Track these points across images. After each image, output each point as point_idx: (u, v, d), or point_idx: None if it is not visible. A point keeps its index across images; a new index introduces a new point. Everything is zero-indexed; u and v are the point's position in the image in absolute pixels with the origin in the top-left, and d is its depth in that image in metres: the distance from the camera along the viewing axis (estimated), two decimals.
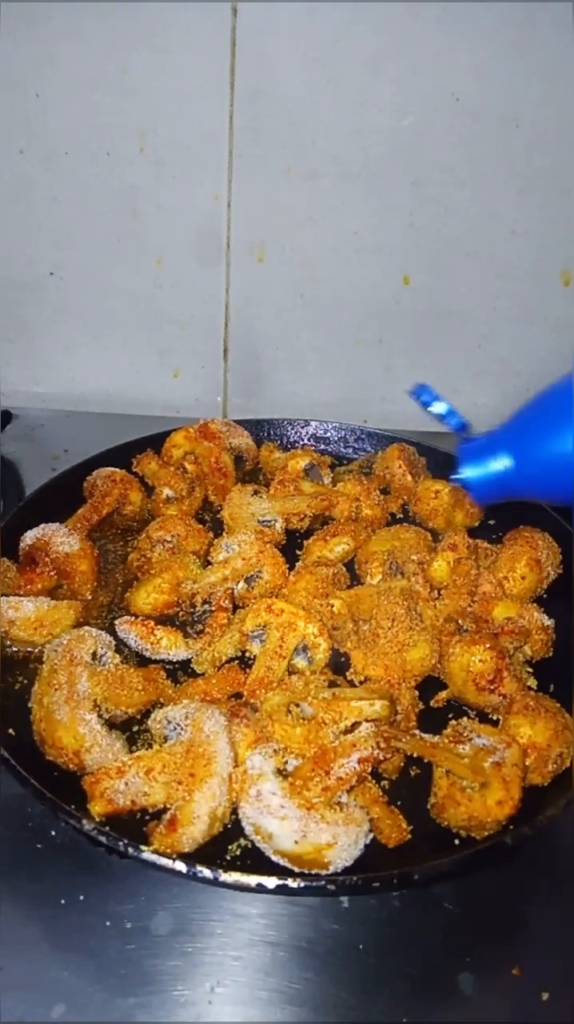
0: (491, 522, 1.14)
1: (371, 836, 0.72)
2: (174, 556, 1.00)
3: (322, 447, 1.30)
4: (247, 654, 0.91)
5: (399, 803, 0.76)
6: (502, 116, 1.25)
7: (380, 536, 1.04)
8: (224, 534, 1.05)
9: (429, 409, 0.86)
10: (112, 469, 1.12)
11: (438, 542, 1.01)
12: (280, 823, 0.68)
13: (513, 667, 0.87)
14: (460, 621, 0.93)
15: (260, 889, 0.65)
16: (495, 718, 0.85)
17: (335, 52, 1.22)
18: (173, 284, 1.40)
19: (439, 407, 0.86)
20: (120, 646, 0.90)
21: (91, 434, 1.30)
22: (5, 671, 0.87)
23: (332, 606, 0.92)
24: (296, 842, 0.68)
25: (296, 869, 0.68)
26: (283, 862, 0.68)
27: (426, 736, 0.79)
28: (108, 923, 0.69)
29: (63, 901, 0.71)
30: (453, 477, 0.83)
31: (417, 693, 0.87)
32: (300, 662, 0.88)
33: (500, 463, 0.76)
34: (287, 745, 0.76)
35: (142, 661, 0.90)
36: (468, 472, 0.78)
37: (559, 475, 0.73)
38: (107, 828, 0.68)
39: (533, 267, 1.37)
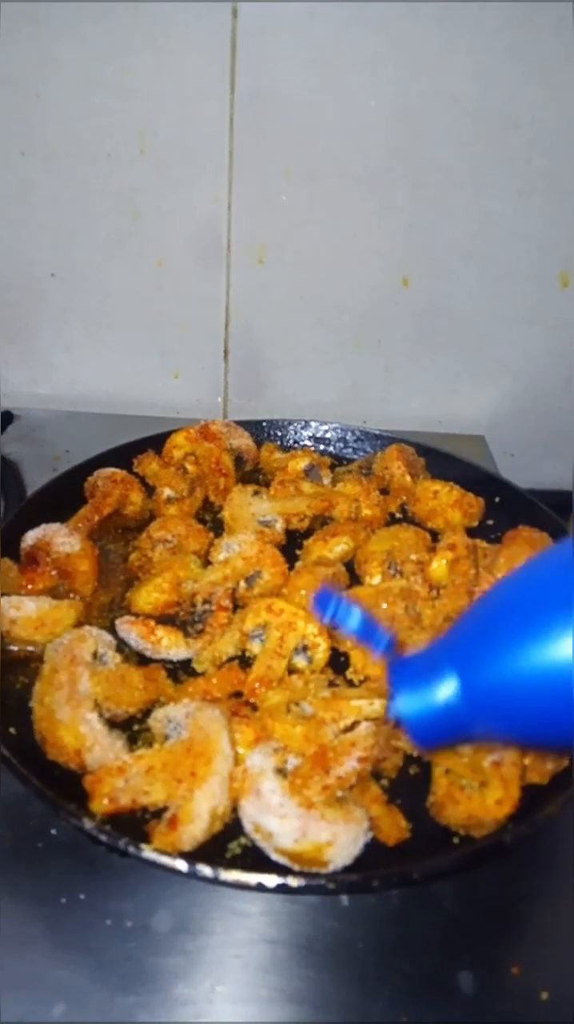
0: (491, 522, 1.14)
1: (371, 835, 0.72)
2: (174, 556, 1.00)
3: (322, 447, 1.30)
4: (247, 653, 0.91)
5: (399, 802, 0.76)
6: (502, 117, 1.25)
7: (379, 536, 1.04)
8: (224, 534, 1.05)
9: (340, 626, 0.64)
10: (113, 469, 1.12)
11: (437, 542, 1.01)
12: (280, 822, 0.69)
13: None
14: None
15: (260, 888, 0.65)
16: None
17: (335, 52, 1.22)
18: (174, 285, 1.40)
19: (353, 621, 0.64)
20: (121, 645, 0.90)
21: (92, 435, 1.31)
22: (6, 671, 0.87)
23: None
24: (296, 840, 0.68)
25: (296, 867, 0.68)
26: (283, 861, 0.69)
27: None
28: (109, 921, 0.69)
29: (63, 899, 0.71)
30: (390, 714, 0.62)
31: None
32: (300, 661, 0.88)
33: (444, 688, 0.56)
34: (287, 744, 0.76)
35: (143, 660, 0.90)
36: (405, 704, 0.58)
37: (532, 701, 0.53)
38: (108, 827, 0.68)
39: (532, 268, 1.37)
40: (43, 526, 1.00)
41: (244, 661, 0.90)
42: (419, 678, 0.58)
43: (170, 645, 0.90)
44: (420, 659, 0.60)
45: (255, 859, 0.70)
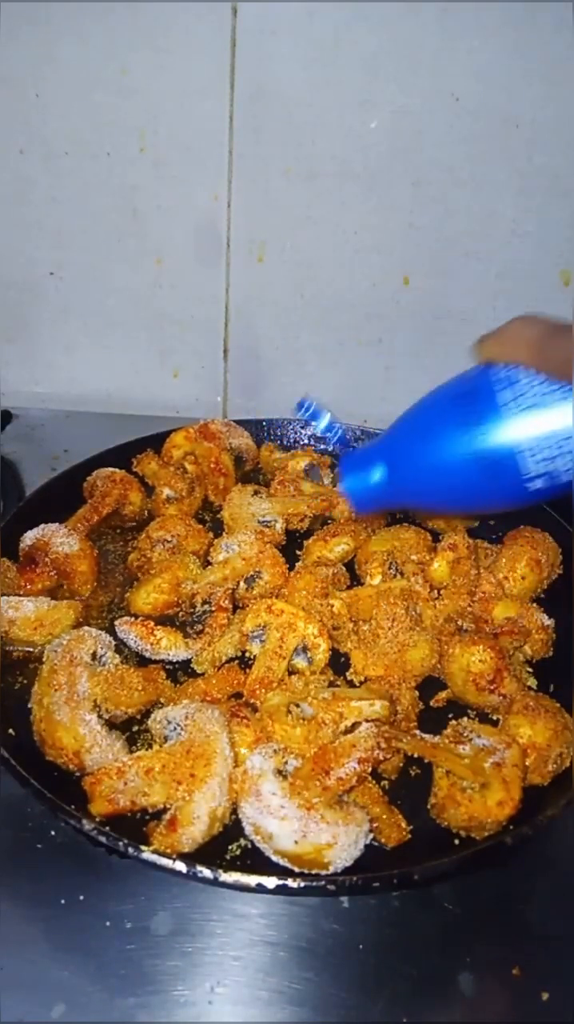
0: (491, 522, 1.14)
1: (371, 836, 0.72)
2: (174, 556, 1.00)
3: (322, 447, 1.30)
4: (247, 654, 0.91)
5: (399, 803, 0.76)
6: (502, 116, 1.25)
7: (380, 536, 1.04)
8: (224, 534, 1.05)
9: (314, 424, 0.88)
10: (112, 469, 1.12)
11: (438, 542, 1.01)
12: (280, 823, 0.68)
13: (513, 667, 0.87)
14: (460, 621, 0.93)
15: (260, 889, 0.65)
16: (495, 718, 0.85)
17: (335, 52, 1.22)
18: (173, 284, 1.40)
19: (323, 422, 0.90)
20: (120, 646, 0.90)
21: (91, 434, 1.30)
22: (5, 671, 0.87)
23: (332, 606, 0.92)
24: (296, 842, 0.68)
25: (296, 869, 0.68)
26: (283, 862, 0.68)
27: (426, 736, 0.79)
28: (108, 923, 0.69)
29: (63, 901, 0.71)
30: (339, 487, 0.83)
31: (417, 693, 0.87)
32: (300, 662, 0.88)
33: (376, 474, 0.77)
34: (287, 745, 0.76)
35: (142, 661, 0.90)
36: (347, 483, 0.79)
37: (428, 485, 0.74)
38: (107, 828, 0.68)
39: (533, 267, 1.37)
40: (42, 526, 0.99)
41: (244, 662, 0.90)
42: (359, 465, 0.78)
43: (169, 646, 0.90)
44: (361, 452, 0.80)
45: (255, 861, 0.70)
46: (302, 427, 1.32)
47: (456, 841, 0.73)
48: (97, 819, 0.70)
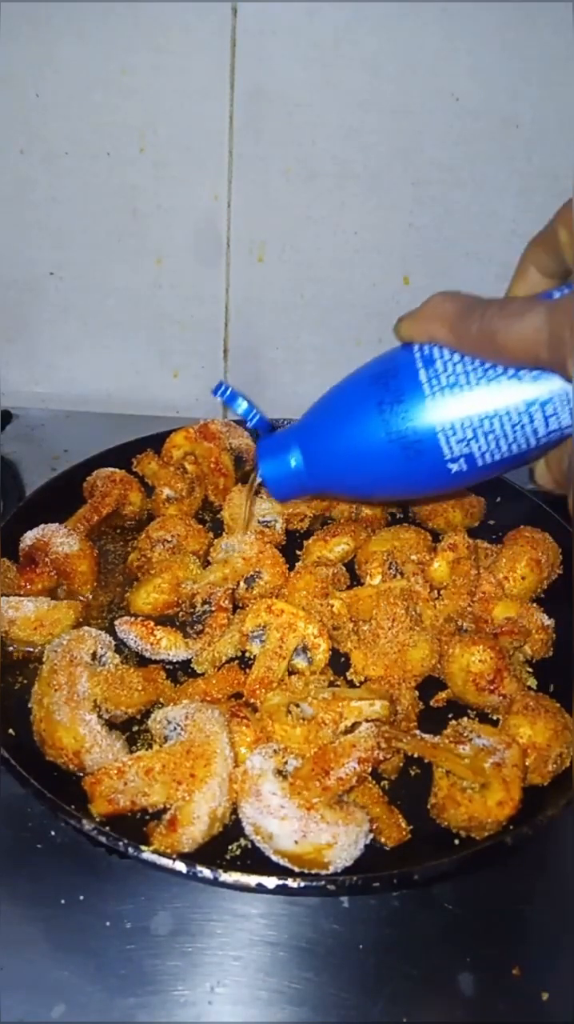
0: (491, 522, 1.14)
1: (371, 836, 0.72)
2: (174, 556, 1.00)
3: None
4: (247, 654, 0.91)
5: (399, 803, 0.76)
6: (502, 116, 1.25)
7: (380, 536, 1.04)
8: (224, 534, 1.05)
9: (232, 406, 0.87)
10: (112, 469, 1.12)
11: (438, 542, 1.01)
12: (280, 823, 0.68)
13: (513, 667, 0.87)
14: (460, 621, 0.93)
15: (260, 889, 0.65)
16: (495, 718, 0.85)
17: (335, 52, 1.22)
18: (173, 284, 1.40)
19: (241, 405, 0.88)
20: (120, 646, 0.90)
21: (91, 434, 1.30)
22: (5, 671, 0.87)
23: (332, 606, 0.92)
24: (296, 842, 0.68)
25: (296, 869, 0.68)
26: (283, 862, 0.68)
27: (426, 736, 0.79)
28: (108, 923, 0.69)
29: (63, 901, 0.71)
30: (256, 476, 0.83)
31: (417, 693, 0.87)
32: (300, 662, 0.88)
33: (294, 460, 0.75)
34: (287, 745, 0.76)
35: (142, 661, 0.90)
36: (263, 469, 0.77)
37: (346, 469, 0.72)
38: (107, 828, 0.68)
39: None
40: (42, 526, 0.99)
41: (244, 662, 0.90)
42: (276, 451, 0.76)
43: (169, 646, 0.90)
44: (279, 436, 0.78)
45: (255, 861, 0.70)
46: None
47: (456, 841, 0.73)
48: (97, 819, 0.70)
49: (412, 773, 0.80)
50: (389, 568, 0.99)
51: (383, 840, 0.73)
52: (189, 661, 0.91)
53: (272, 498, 0.84)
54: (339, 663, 0.90)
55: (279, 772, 0.73)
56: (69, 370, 1.49)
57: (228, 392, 0.89)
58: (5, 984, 0.65)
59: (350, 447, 0.70)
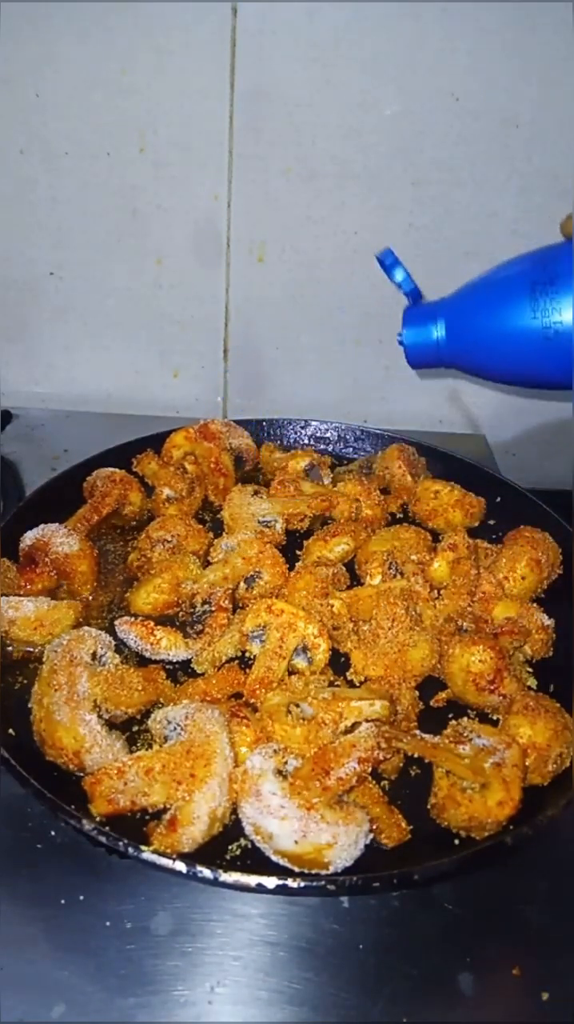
0: (492, 522, 1.14)
1: (371, 836, 0.72)
2: (174, 556, 1.00)
3: (322, 447, 1.30)
4: (247, 654, 0.91)
5: (399, 803, 0.76)
6: (502, 116, 1.25)
7: (380, 536, 1.04)
8: (224, 534, 1.05)
9: (391, 275, 0.90)
10: (112, 469, 1.12)
11: (438, 542, 1.01)
12: (280, 823, 0.68)
13: (513, 667, 0.87)
14: (460, 621, 0.93)
15: (260, 889, 0.65)
16: (495, 718, 0.85)
17: (335, 52, 1.22)
18: (173, 284, 1.40)
19: (398, 274, 0.90)
20: (120, 646, 0.90)
21: (91, 434, 1.31)
22: (5, 671, 0.87)
23: (332, 606, 0.92)
24: (296, 842, 0.68)
25: (296, 869, 0.68)
26: (283, 862, 0.68)
27: (426, 736, 0.79)
28: (108, 923, 0.69)
29: (63, 901, 0.71)
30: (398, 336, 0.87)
31: (417, 693, 0.87)
32: (300, 662, 0.88)
33: (437, 331, 0.80)
34: (287, 745, 0.76)
35: (142, 661, 0.90)
36: (407, 335, 0.82)
37: (486, 347, 0.76)
38: (107, 828, 0.68)
39: None
40: (42, 526, 0.99)
41: (244, 662, 0.90)
42: (421, 320, 0.81)
43: (169, 646, 0.90)
44: (426, 307, 0.83)
45: (255, 861, 0.70)
46: (302, 427, 1.32)
47: (456, 841, 0.73)
48: (97, 819, 0.70)
49: (412, 773, 0.80)
50: (389, 568, 0.99)
51: (383, 840, 0.73)
52: (189, 661, 0.91)
53: (408, 363, 0.88)
54: (339, 663, 0.90)
55: (279, 772, 0.73)
56: (69, 370, 1.49)
57: (390, 258, 0.92)
58: (5, 984, 0.65)
59: (495, 322, 0.74)
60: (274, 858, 0.69)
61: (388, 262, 0.90)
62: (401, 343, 0.83)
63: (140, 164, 1.30)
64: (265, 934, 0.70)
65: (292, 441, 1.31)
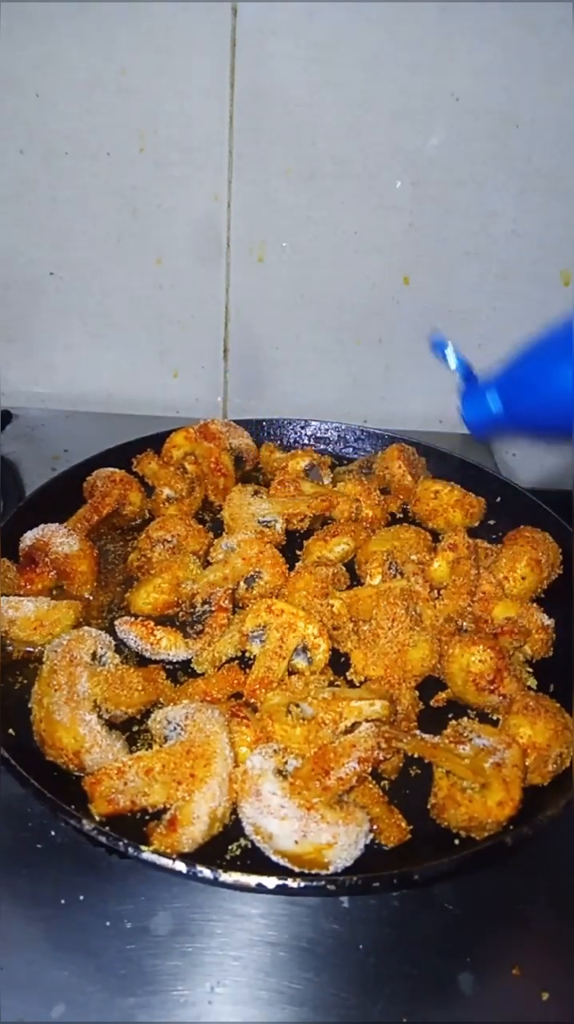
0: (492, 522, 1.14)
1: (371, 836, 0.72)
2: (174, 556, 1.00)
3: (322, 447, 1.30)
4: (247, 654, 0.91)
5: (399, 803, 0.76)
6: (502, 116, 1.25)
7: (380, 536, 1.04)
8: (224, 534, 1.05)
9: (444, 359, 0.94)
10: (112, 469, 1.12)
11: (438, 542, 1.01)
12: (280, 823, 0.68)
13: (513, 667, 0.87)
14: (460, 621, 0.93)
15: (260, 889, 0.65)
16: (495, 718, 0.85)
17: (335, 52, 1.22)
18: (173, 284, 1.40)
19: (451, 359, 0.94)
20: (120, 646, 0.90)
21: (91, 434, 1.31)
22: (5, 671, 0.87)
23: (332, 606, 0.92)
24: (296, 842, 0.68)
25: (296, 869, 0.68)
26: (283, 862, 0.68)
27: (426, 736, 0.79)
28: (108, 923, 0.69)
29: (63, 901, 0.71)
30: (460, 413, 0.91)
31: (417, 693, 0.87)
32: (300, 662, 0.88)
33: (493, 405, 0.83)
34: (287, 745, 0.76)
35: (142, 661, 0.90)
36: (466, 413, 0.86)
37: (540, 418, 0.80)
38: (107, 828, 0.68)
39: (533, 267, 1.37)
40: (42, 526, 0.99)
41: (244, 662, 0.90)
42: (477, 396, 0.84)
43: (169, 646, 0.90)
44: (481, 386, 0.86)
45: (255, 861, 0.70)
46: (302, 427, 1.32)
47: (456, 841, 0.73)
48: (97, 819, 0.70)
49: (412, 773, 0.80)
50: (389, 568, 0.99)
51: (383, 840, 0.73)
52: (189, 661, 0.91)
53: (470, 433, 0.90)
54: (339, 663, 0.90)
55: (279, 772, 0.73)
56: (69, 370, 1.49)
57: (445, 348, 0.95)
58: (5, 984, 0.65)
59: (544, 391, 0.78)
60: (274, 858, 0.69)
61: (441, 350, 0.95)
62: (462, 419, 0.88)
63: (140, 164, 1.30)
64: (265, 934, 0.70)
65: (292, 441, 1.31)
